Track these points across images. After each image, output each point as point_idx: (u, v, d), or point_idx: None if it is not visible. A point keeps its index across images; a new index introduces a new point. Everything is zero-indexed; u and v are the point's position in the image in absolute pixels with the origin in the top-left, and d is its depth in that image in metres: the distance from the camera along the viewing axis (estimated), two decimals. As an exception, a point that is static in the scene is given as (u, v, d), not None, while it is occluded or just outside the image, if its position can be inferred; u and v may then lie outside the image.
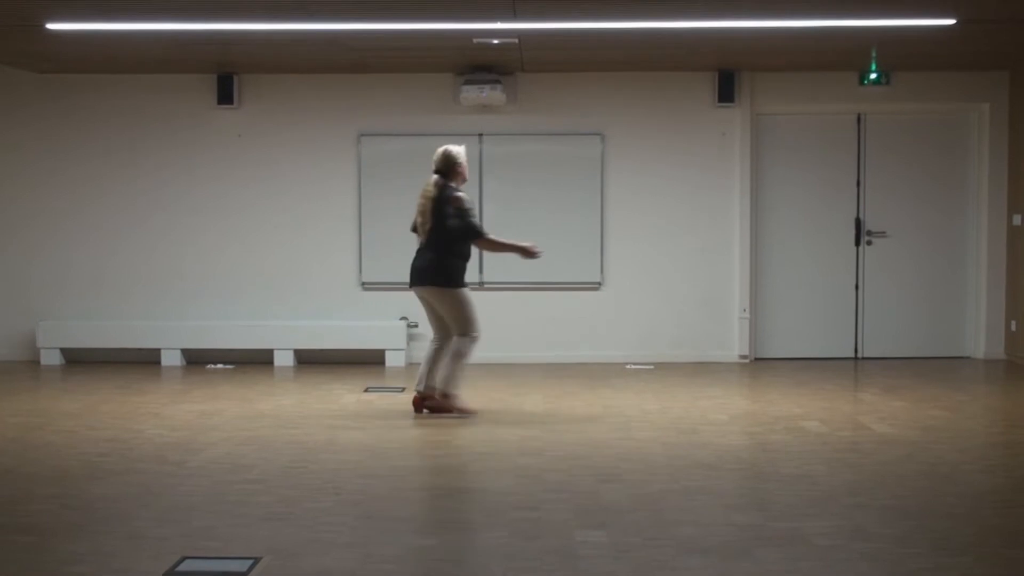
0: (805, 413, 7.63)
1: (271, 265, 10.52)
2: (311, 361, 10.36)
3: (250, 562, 4.28)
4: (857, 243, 10.62)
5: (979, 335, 10.57)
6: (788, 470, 5.90)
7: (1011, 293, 10.39)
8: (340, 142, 10.46)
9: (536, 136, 10.32)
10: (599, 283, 10.44)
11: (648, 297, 10.47)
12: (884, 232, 10.60)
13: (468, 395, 8.45)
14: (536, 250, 7.49)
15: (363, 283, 10.48)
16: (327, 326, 10.34)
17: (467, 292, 7.50)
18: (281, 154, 10.50)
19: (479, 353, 10.18)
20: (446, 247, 7.35)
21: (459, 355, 7.48)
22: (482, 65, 9.98)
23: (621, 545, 4.51)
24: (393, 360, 10.26)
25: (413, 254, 7.40)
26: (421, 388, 7.55)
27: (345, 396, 8.47)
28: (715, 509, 5.12)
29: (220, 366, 10.20)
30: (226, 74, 10.31)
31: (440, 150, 7.45)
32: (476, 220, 7.43)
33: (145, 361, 10.30)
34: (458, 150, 7.47)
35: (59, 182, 10.51)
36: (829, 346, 10.65)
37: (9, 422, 7.36)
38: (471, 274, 10.25)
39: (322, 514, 5.01)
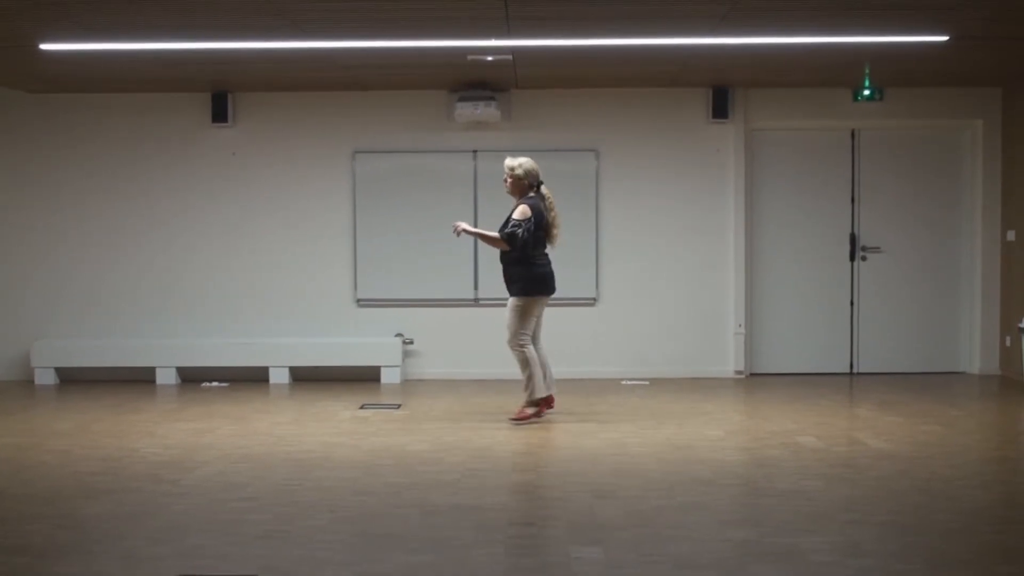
0: (801, 428, 7.62)
1: (266, 282, 10.51)
2: (306, 378, 10.35)
3: (244, 581, 4.27)
4: (852, 259, 10.64)
5: (974, 350, 10.58)
6: (784, 486, 5.90)
7: (1005, 308, 10.40)
8: (335, 159, 10.47)
9: (531, 152, 10.25)
10: (594, 299, 10.45)
11: (643, 313, 10.47)
12: (879, 247, 10.62)
13: (462, 411, 8.45)
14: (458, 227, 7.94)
15: (358, 300, 10.48)
16: (322, 343, 10.33)
17: (528, 303, 7.88)
18: (275, 172, 10.50)
19: (474, 369, 10.28)
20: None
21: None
22: (476, 82, 10.00)
23: (616, 561, 4.50)
24: (389, 377, 10.25)
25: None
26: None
27: (340, 413, 8.45)
28: (710, 525, 5.12)
29: (215, 384, 10.18)
30: (220, 92, 10.32)
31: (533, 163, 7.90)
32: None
33: (140, 380, 10.29)
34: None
35: (52, 202, 10.51)
36: (824, 361, 10.65)
37: (2, 442, 7.34)
38: (467, 289, 10.36)
39: (317, 532, 4.99)
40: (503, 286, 7.90)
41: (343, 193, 10.47)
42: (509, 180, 7.84)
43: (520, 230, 7.63)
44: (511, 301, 7.80)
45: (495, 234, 7.80)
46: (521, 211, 7.68)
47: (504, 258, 7.83)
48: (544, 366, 7.93)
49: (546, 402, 7.95)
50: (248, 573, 4.36)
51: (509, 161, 7.86)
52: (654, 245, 10.46)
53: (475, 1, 6.76)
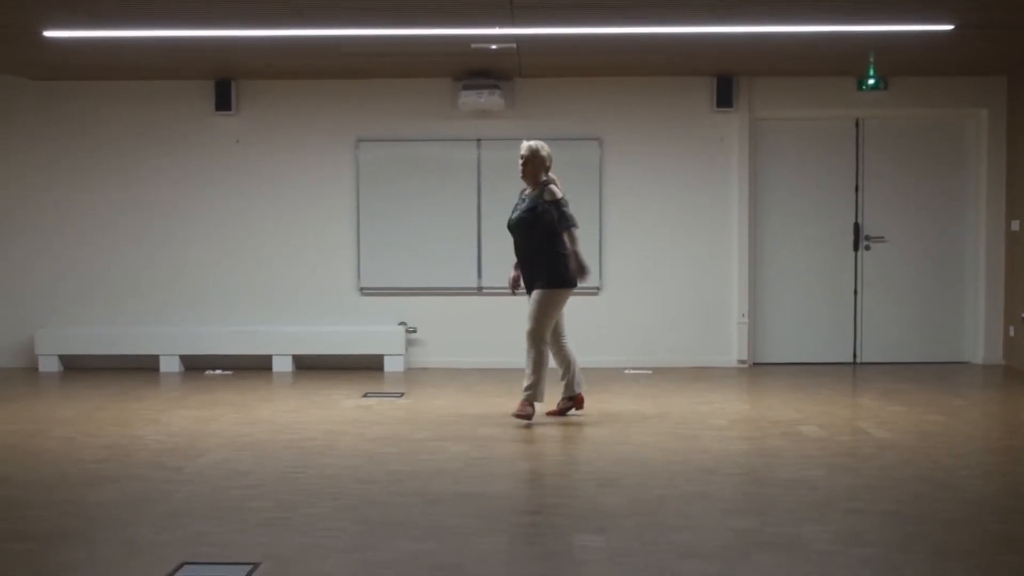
0: (803, 418, 7.62)
1: (269, 271, 10.52)
2: (310, 367, 10.36)
3: (248, 568, 4.27)
4: (855, 248, 10.63)
5: (977, 340, 10.57)
6: (786, 475, 5.90)
7: (1009, 298, 10.39)
8: (338, 147, 10.46)
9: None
10: (598, 288, 10.44)
11: (646, 302, 10.47)
12: (882, 237, 10.61)
13: (465, 400, 8.46)
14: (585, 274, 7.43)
15: (361, 288, 10.48)
16: (326, 332, 10.34)
17: (558, 295, 7.40)
18: (279, 160, 10.50)
19: (477, 357, 10.28)
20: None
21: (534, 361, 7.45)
22: (480, 70, 9.99)
23: (620, 550, 4.50)
24: (392, 365, 10.25)
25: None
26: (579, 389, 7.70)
27: (343, 401, 8.46)
28: (713, 514, 5.12)
29: (218, 372, 10.19)
30: (224, 80, 10.31)
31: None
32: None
33: (143, 367, 10.30)
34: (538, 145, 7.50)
35: (56, 189, 10.51)
36: (828, 351, 10.65)
37: (7, 429, 7.35)
38: (471, 278, 10.35)
39: (320, 519, 5.00)
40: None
41: (346, 181, 10.46)
42: (530, 163, 7.39)
43: (568, 209, 7.32)
44: (541, 293, 7.33)
45: (571, 237, 7.34)
46: (551, 191, 7.31)
47: (532, 247, 7.39)
48: (572, 363, 7.60)
49: (576, 402, 7.69)
50: (251, 560, 4.36)
51: (532, 143, 7.46)
52: (658, 234, 10.46)
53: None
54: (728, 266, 10.46)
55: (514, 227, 7.51)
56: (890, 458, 6.31)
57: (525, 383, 7.43)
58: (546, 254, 7.38)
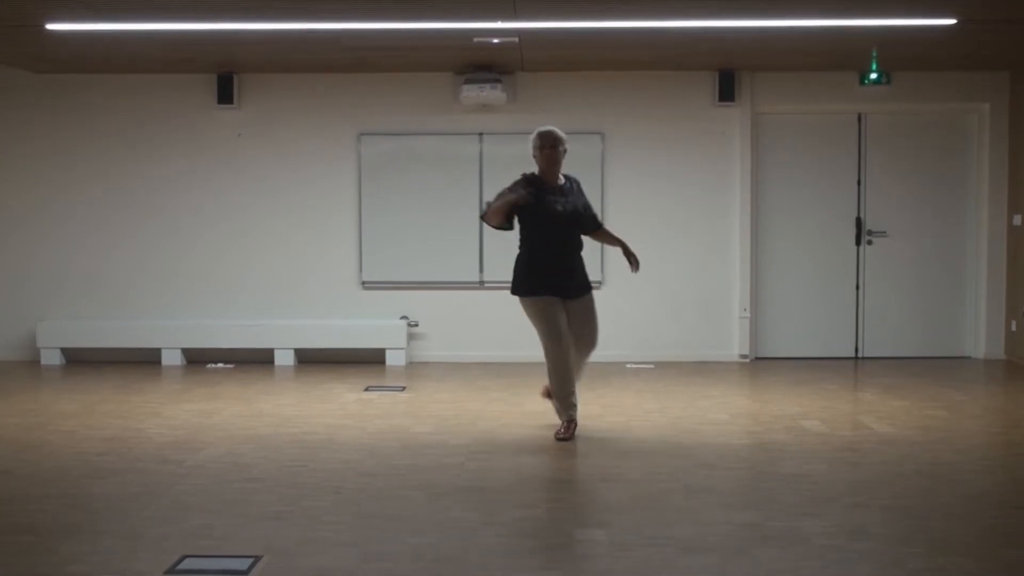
0: (805, 412, 7.62)
1: (271, 264, 10.52)
2: (311, 360, 10.36)
3: (250, 561, 4.28)
4: (857, 243, 10.62)
5: (979, 335, 10.57)
6: (788, 469, 5.90)
7: (1011, 293, 10.38)
8: (340, 141, 10.46)
9: (536, 136, 10.30)
10: (599, 282, 10.43)
11: (648, 296, 10.47)
12: (884, 232, 10.60)
13: (467, 394, 8.46)
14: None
15: (363, 282, 10.48)
16: (327, 325, 10.34)
17: (534, 302, 6.64)
18: (281, 154, 10.50)
19: (478, 352, 10.29)
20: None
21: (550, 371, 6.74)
22: (482, 64, 9.98)
23: (621, 544, 4.51)
24: (393, 359, 10.26)
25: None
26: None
27: (345, 395, 8.47)
28: (715, 508, 5.12)
29: (220, 365, 10.20)
30: (226, 74, 10.31)
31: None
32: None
33: (145, 361, 10.31)
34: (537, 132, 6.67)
35: (58, 182, 10.52)
36: (829, 346, 10.64)
37: (9, 422, 7.36)
38: (472, 272, 10.35)
39: (321, 513, 5.01)
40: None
41: (348, 175, 10.46)
42: (565, 152, 6.73)
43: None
44: (592, 296, 6.89)
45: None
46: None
47: (576, 246, 6.78)
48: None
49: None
50: (253, 553, 4.37)
51: (560, 133, 6.70)
52: (659, 229, 10.45)
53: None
54: (730, 260, 10.46)
55: (566, 220, 6.65)
56: (891, 453, 6.31)
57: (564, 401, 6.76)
58: (580, 254, 6.82)
